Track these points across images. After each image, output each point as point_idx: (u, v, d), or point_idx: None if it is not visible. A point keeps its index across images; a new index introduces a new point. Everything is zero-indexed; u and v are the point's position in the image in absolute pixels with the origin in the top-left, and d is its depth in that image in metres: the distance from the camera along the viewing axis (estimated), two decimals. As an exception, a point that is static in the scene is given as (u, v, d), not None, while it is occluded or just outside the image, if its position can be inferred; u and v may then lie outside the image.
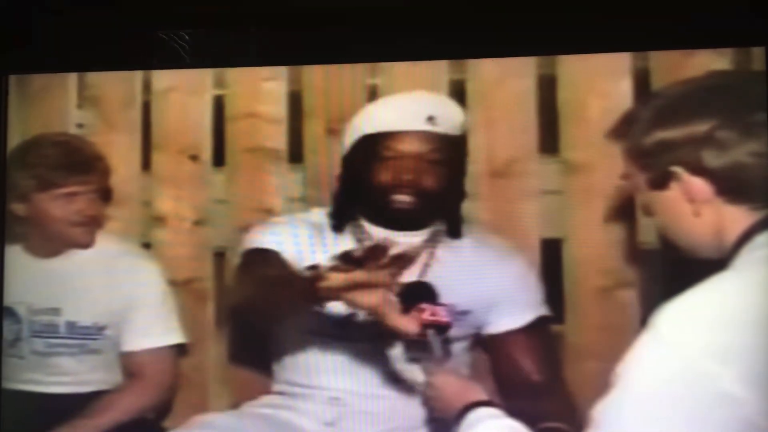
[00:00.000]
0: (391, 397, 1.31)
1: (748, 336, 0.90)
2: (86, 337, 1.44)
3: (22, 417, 1.43)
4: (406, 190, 1.31)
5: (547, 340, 1.35)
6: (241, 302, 1.37)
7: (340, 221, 1.37)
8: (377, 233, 1.34)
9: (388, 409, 1.31)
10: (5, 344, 1.45)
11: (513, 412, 1.11)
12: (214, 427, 1.33)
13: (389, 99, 1.37)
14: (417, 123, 1.31)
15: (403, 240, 1.29)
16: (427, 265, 1.33)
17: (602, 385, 0.95)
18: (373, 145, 1.33)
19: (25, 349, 1.45)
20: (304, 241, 1.35)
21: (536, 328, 1.34)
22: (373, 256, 1.14)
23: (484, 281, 1.33)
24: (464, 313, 1.30)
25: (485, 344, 1.36)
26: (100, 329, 1.44)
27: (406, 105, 1.33)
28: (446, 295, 1.26)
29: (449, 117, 1.33)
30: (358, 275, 1.13)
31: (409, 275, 1.27)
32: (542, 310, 1.34)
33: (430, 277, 1.30)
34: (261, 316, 1.34)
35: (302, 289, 1.20)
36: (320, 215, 1.39)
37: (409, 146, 1.31)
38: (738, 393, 0.88)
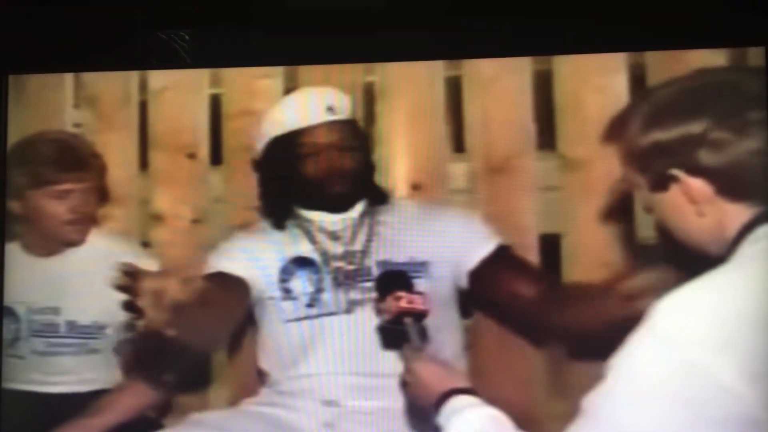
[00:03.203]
0: (388, 397, 1.31)
1: (745, 329, 0.90)
2: (86, 336, 1.44)
3: (23, 417, 1.44)
4: (336, 179, 1.38)
5: (523, 262, 1.36)
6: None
7: (277, 219, 1.41)
8: (316, 217, 1.40)
9: (387, 410, 1.31)
10: (5, 344, 1.46)
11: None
12: (210, 425, 1.34)
13: (287, 100, 1.42)
14: (320, 115, 1.38)
15: (343, 217, 1.38)
16: (373, 232, 1.38)
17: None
18: (285, 145, 1.38)
19: (25, 349, 1.45)
20: (264, 248, 1.40)
21: (505, 256, 1.36)
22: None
23: (432, 229, 1.37)
24: (424, 264, 1.34)
25: (471, 297, 1.38)
26: (100, 328, 1.45)
27: (305, 101, 1.40)
28: (400, 250, 1.34)
29: (343, 104, 1.40)
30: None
31: (356, 243, 1.36)
32: (499, 240, 1.36)
33: (378, 240, 1.37)
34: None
35: None
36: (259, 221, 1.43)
37: (319, 138, 1.38)
38: (736, 387, 0.88)
